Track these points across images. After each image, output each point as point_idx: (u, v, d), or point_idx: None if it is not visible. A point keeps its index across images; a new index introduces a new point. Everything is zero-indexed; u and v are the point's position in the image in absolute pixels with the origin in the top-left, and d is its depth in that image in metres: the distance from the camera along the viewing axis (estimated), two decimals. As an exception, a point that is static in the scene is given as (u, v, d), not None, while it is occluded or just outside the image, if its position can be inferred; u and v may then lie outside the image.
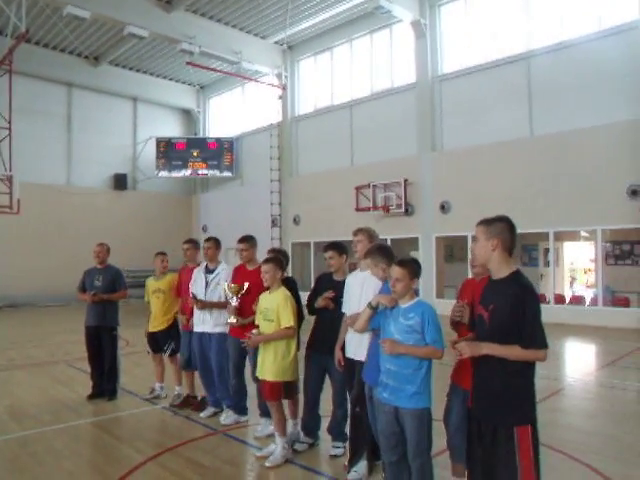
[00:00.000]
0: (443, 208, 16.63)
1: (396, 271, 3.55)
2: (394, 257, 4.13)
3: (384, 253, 4.18)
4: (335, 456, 4.88)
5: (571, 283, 18.47)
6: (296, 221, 21.57)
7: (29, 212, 18.63)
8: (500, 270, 3.02)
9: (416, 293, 3.67)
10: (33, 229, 20.79)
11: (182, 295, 6.62)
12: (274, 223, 22.01)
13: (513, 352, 2.85)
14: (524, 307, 2.85)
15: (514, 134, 15.30)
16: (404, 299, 3.56)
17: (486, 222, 3.09)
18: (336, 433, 4.97)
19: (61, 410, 6.61)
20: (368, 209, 18.12)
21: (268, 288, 4.99)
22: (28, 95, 20.50)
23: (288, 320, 4.73)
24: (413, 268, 3.58)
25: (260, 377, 4.87)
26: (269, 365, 4.78)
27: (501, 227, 3.03)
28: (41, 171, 21.64)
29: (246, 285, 5.37)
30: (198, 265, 6.55)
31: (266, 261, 4.96)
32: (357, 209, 18.57)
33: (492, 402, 2.94)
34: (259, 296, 5.08)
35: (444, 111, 17.01)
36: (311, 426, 5.13)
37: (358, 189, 18.69)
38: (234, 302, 5.39)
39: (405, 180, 17.38)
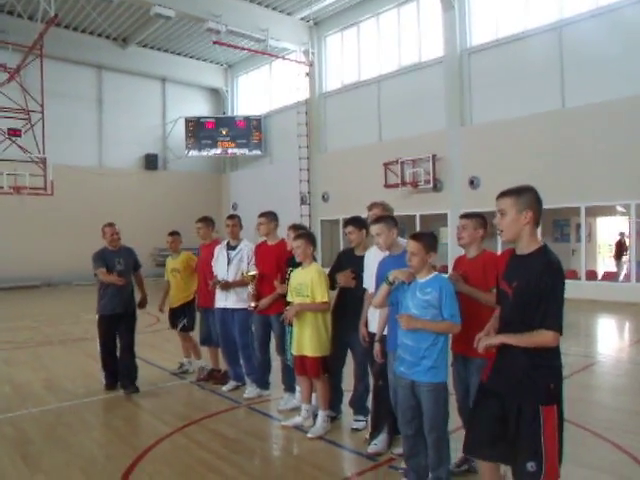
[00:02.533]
0: (472, 183, 16.43)
1: (411, 245, 3.55)
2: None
3: (394, 220, 4.27)
4: (357, 429, 4.94)
5: (617, 256, 17.54)
6: (325, 198, 21.58)
7: (62, 193, 19.08)
8: (530, 244, 2.84)
9: (435, 268, 3.68)
10: (67, 210, 21.25)
11: (199, 271, 6.79)
12: (303, 200, 22.06)
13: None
14: (548, 284, 2.69)
15: (545, 106, 14.94)
16: (421, 273, 3.56)
17: (515, 192, 2.86)
18: (358, 407, 5.04)
19: (93, 384, 6.82)
20: (397, 185, 18.00)
21: (291, 264, 5.11)
22: (59, 78, 20.74)
23: (322, 295, 4.80)
24: (428, 241, 3.57)
25: (296, 353, 4.95)
26: (308, 341, 4.85)
27: (531, 197, 2.84)
28: (73, 153, 22.04)
29: (255, 272, 5.73)
30: (214, 241, 6.72)
31: (298, 237, 4.99)
32: (386, 185, 18.47)
33: (518, 380, 2.81)
34: (290, 273, 5.16)
35: (473, 84, 16.71)
36: (333, 400, 5.20)
37: (386, 165, 18.57)
38: (251, 289, 5.72)
39: (433, 155, 17.20)
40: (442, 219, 17.41)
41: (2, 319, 12.92)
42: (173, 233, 7.37)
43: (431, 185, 17.22)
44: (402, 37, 18.90)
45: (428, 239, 3.59)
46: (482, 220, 4.05)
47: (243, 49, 21.43)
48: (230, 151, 25.15)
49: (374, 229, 4.20)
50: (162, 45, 23.51)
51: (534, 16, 15.38)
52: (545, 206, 2.95)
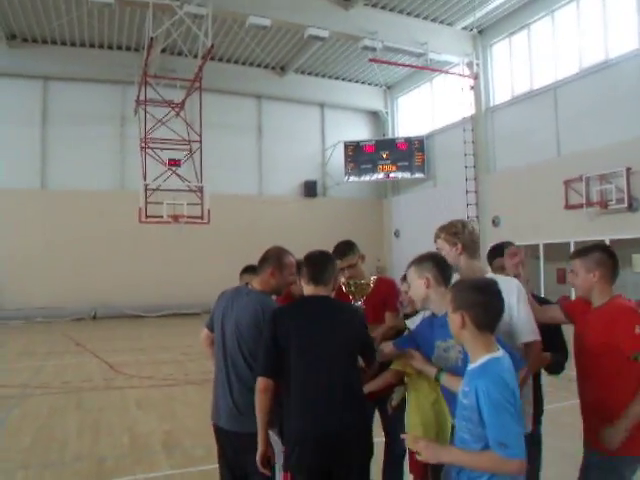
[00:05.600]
0: (680, 200, 13.52)
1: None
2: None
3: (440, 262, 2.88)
4: None
5: None
6: (495, 223, 19.53)
7: (220, 222, 19.14)
8: None
9: None
10: (225, 238, 21.43)
11: None
12: (470, 226, 20.18)
13: None
14: None
15: None
16: (472, 354, 2.12)
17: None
18: None
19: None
20: (580, 206, 15.61)
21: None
22: (219, 109, 21.28)
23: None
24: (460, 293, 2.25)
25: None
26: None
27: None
28: (233, 181, 22.43)
29: (371, 280, 3.63)
30: None
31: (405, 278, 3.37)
32: (566, 206, 16.17)
33: None
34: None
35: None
36: None
37: (567, 183, 16.22)
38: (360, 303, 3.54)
39: (628, 169, 14.50)
40: (637, 244, 14.56)
41: (153, 350, 12.90)
42: (252, 270, 4.18)
43: (625, 204, 14.51)
44: (583, 34, 16.40)
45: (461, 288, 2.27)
46: None
47: (401, 65, 20.39)
48: (391, 175, 24.07)
49: None
50: (319, 70, 23.39)
51: None
52: None
